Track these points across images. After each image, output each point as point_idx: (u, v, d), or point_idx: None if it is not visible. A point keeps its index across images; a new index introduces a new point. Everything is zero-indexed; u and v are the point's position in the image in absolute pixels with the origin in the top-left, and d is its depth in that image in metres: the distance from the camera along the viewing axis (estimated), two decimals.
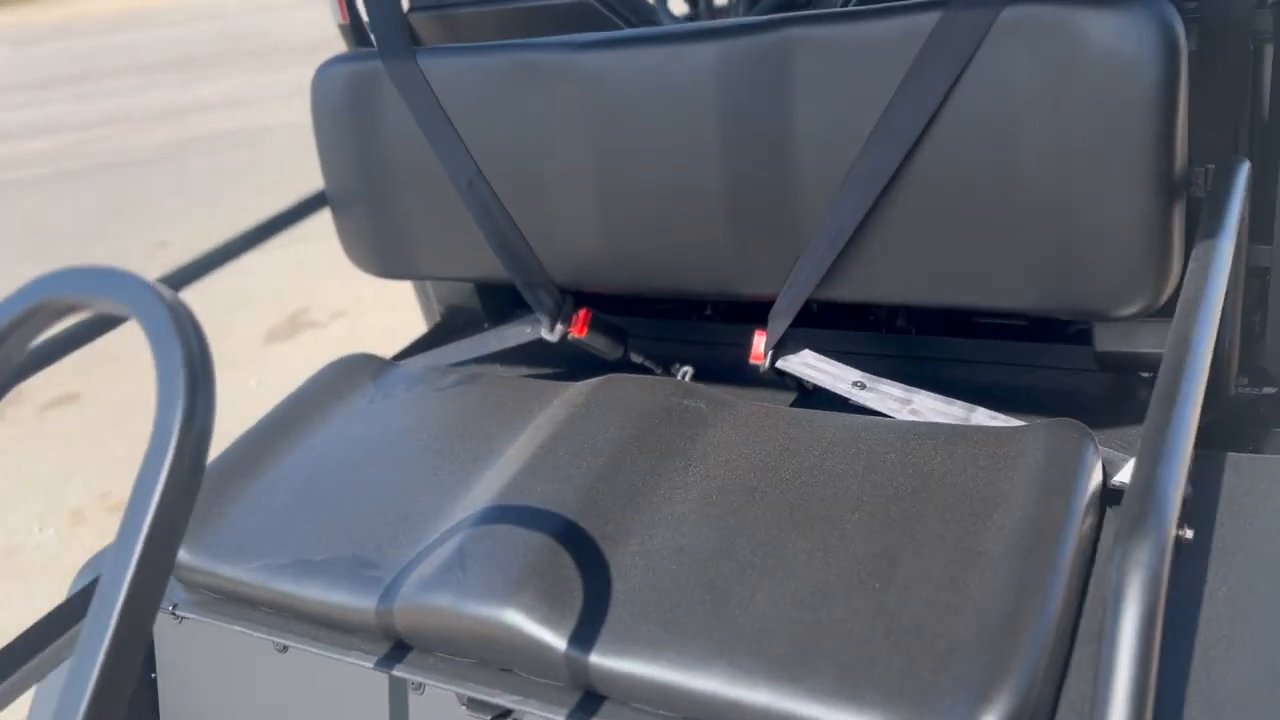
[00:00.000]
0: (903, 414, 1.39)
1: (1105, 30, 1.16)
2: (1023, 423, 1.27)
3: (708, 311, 1.96)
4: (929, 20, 1.27)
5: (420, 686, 1.18)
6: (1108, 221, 1.22)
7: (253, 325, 4.82)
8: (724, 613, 1.05)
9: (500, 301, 2.04)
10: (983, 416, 1.35)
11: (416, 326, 2.52)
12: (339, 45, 4.79)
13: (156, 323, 0.75)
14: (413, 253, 1.72)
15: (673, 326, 1.87)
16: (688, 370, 1.72)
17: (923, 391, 1.41)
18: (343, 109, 1.68)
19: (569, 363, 1.83)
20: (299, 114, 8.94)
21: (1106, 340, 1.47)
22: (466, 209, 1.64)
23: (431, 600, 1.14)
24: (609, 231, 1.56)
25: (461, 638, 1.14)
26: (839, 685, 0.96)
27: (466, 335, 1.88)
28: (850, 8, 1.40)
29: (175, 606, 1.34)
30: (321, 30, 13.29)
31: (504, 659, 1.13)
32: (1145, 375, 1.51)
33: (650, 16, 1.89)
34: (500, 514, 1.23)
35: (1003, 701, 0.90)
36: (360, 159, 1.69)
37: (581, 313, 1.67)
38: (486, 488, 1.30)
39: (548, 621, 1.09)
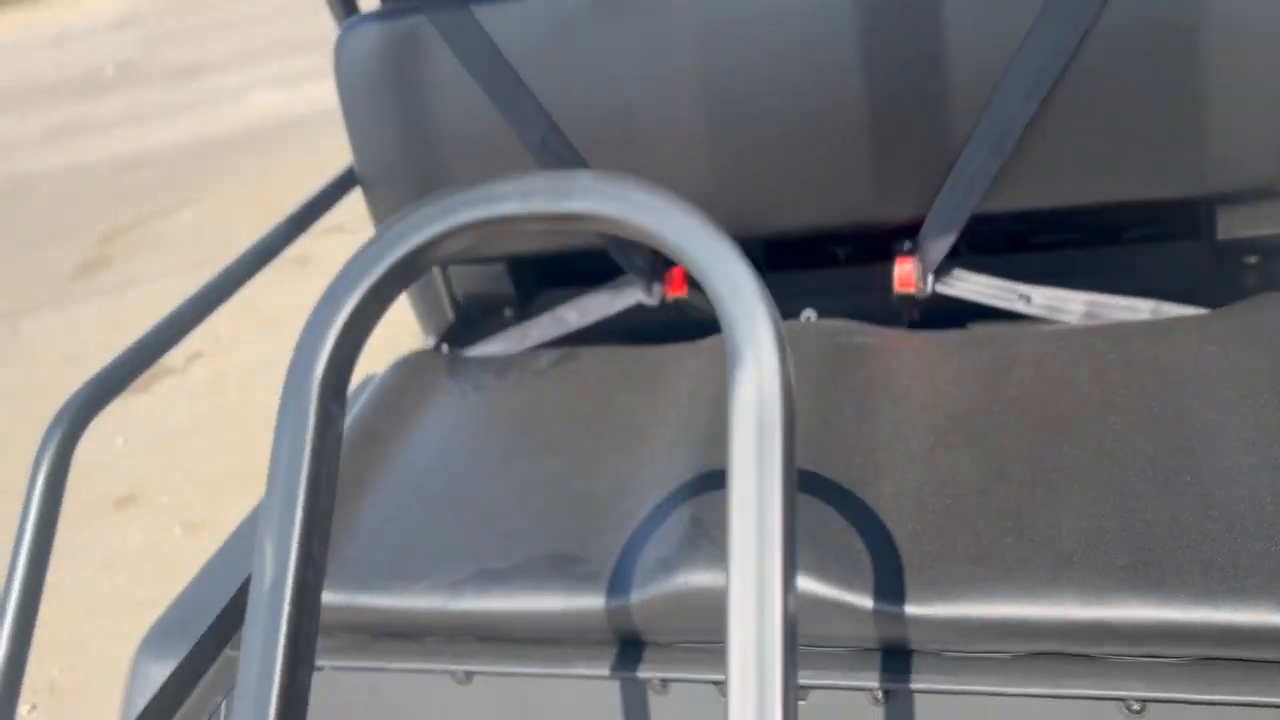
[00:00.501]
0: (1082, 319, 1.37)
1: None
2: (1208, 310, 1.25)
3: (825, 251, 1.83)
4: None
5: (665, 685, 1.03)
6: (1248, 98, 1.28)
7: None
8: (1038, 536, 0.97)
9: (536, 279, 1.88)
10: (1170, 309, 1.34)
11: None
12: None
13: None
14: None
15: (783, 274, 1.73)
16: (811, 314, 1.55)
17: (1096, 294, 1.38)
18: (377, 73, 1.51)
19: (667, 329, 1.59)
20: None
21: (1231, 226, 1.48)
22: (537, 165, 1.50)
23: (688, 581, 1.01)
24: (719, 172, 1.45)
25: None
26: (1212, 583, 0.90)
27: (493, 322, 1.78)
28: None
29: (322, 661, 1.13)
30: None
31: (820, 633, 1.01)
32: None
33: None
34: (710, 480, 1.11)
35: None
36: (402, 127, 1.53)
37: (677, 270, 1.56)
38: (672, 458, 1.17)
39: (843, 580, 0.97)
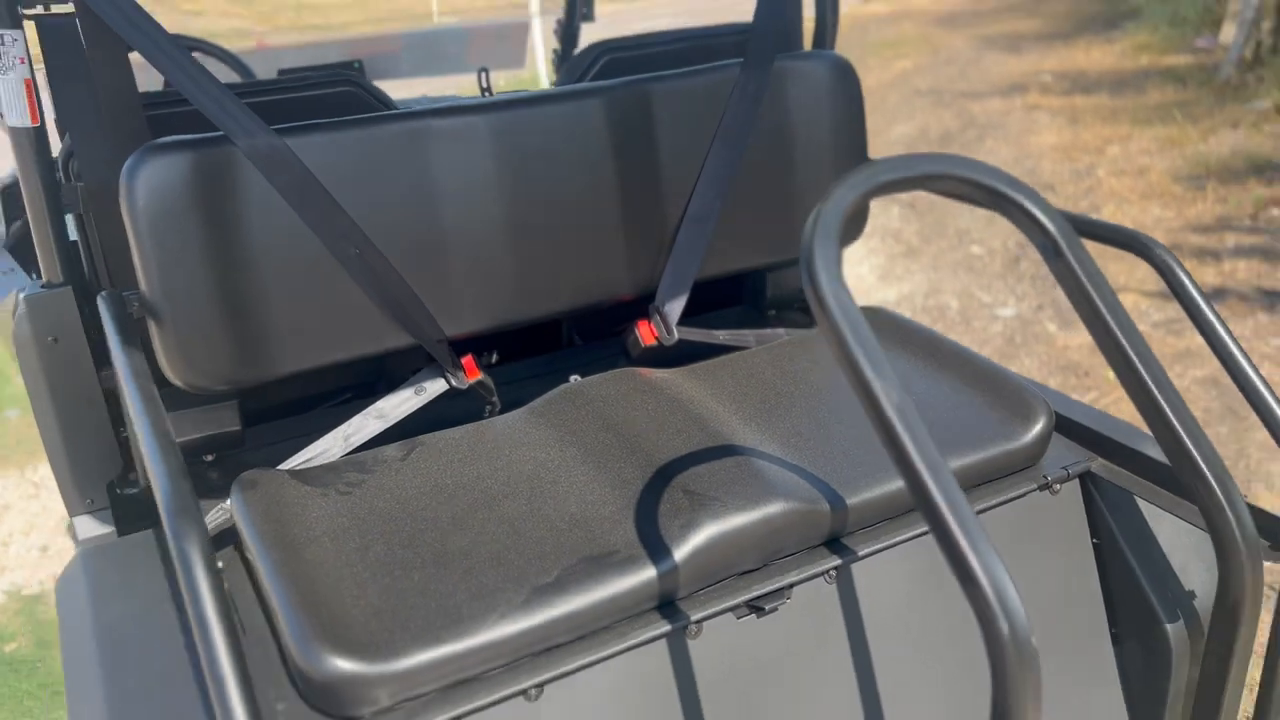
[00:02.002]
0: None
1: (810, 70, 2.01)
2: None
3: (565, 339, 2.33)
4: (729, 74, 1.94)
5: (699, 627, 1.36)
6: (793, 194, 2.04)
7: None
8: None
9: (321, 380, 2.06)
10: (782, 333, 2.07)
11: None
12: None
13: None
14: (277, 347, 1.62)
15: (534, 362, 2.19)
16: (577, 378, 1.83)
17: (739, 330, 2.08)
18: (171, 203, 1.52)
19: (462, 413, 1.89)
20: None
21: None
22: (353, 281, 1.64)
23: (715, 530, 1.37)
24: (501, 272, 1.79)
25: (745, 551, 1.40)
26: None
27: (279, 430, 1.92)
28: (660, 73, 1.92)
29: None
30: None
31: (774, 548, 1.42)
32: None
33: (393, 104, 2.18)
34: (651, 477, 1.48)
35: None
36: (199, 255, 1.55)
37: (468, 358, 1.81)
38: (604, 474, 1.51)
39: (807, 501, 1.45)
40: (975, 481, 1.60)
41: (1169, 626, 1.56)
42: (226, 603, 0.98)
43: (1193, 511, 1.57)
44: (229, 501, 1.52)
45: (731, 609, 1.38)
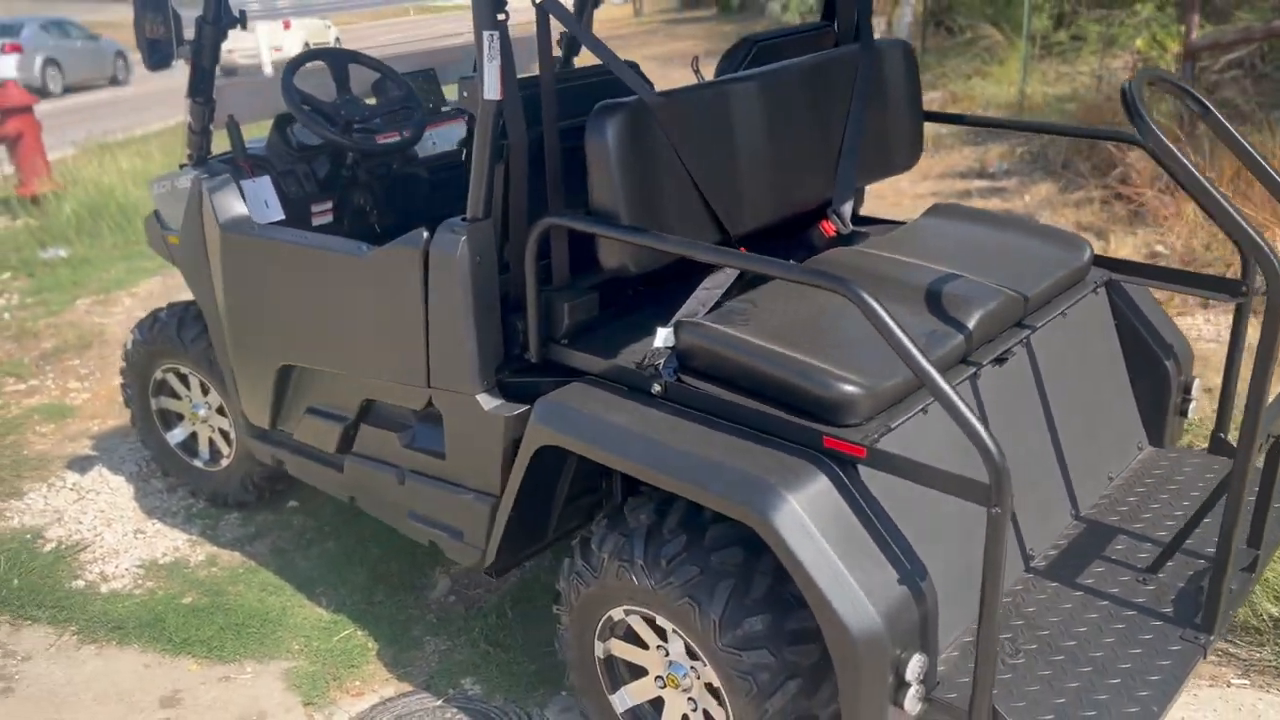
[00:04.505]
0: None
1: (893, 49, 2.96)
2: None
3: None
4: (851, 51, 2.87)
5: (979, 371, 2.32)
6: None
7: None
8: None
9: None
10: None
11: None
12: None
13: None
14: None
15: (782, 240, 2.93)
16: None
17: None
18: (619, 142, 2.24)
19: None
20: None
21: None
22: (726, 190, 2.51)
23: (980, 314, 2.35)
24: (767, 184, 2.61)
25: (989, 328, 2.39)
26: None
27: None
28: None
29: None
30: None
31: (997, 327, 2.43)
32: None
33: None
34: None
35: None
36: (635, 179, 2.30)
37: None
38: None
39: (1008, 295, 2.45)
40: (1063, 289, 2.68)
41: (1167, 364, 2.74)
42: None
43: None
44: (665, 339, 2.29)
45: (993, 360, 2.36)
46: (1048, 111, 7.98)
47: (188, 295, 6.34)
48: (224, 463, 3.67)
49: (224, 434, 3.64)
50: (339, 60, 3.24)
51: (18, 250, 7.30)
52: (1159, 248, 5.31)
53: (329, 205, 3.26)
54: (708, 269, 2.60)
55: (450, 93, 3.77)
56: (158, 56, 2.77)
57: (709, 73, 2.94)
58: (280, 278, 2.82)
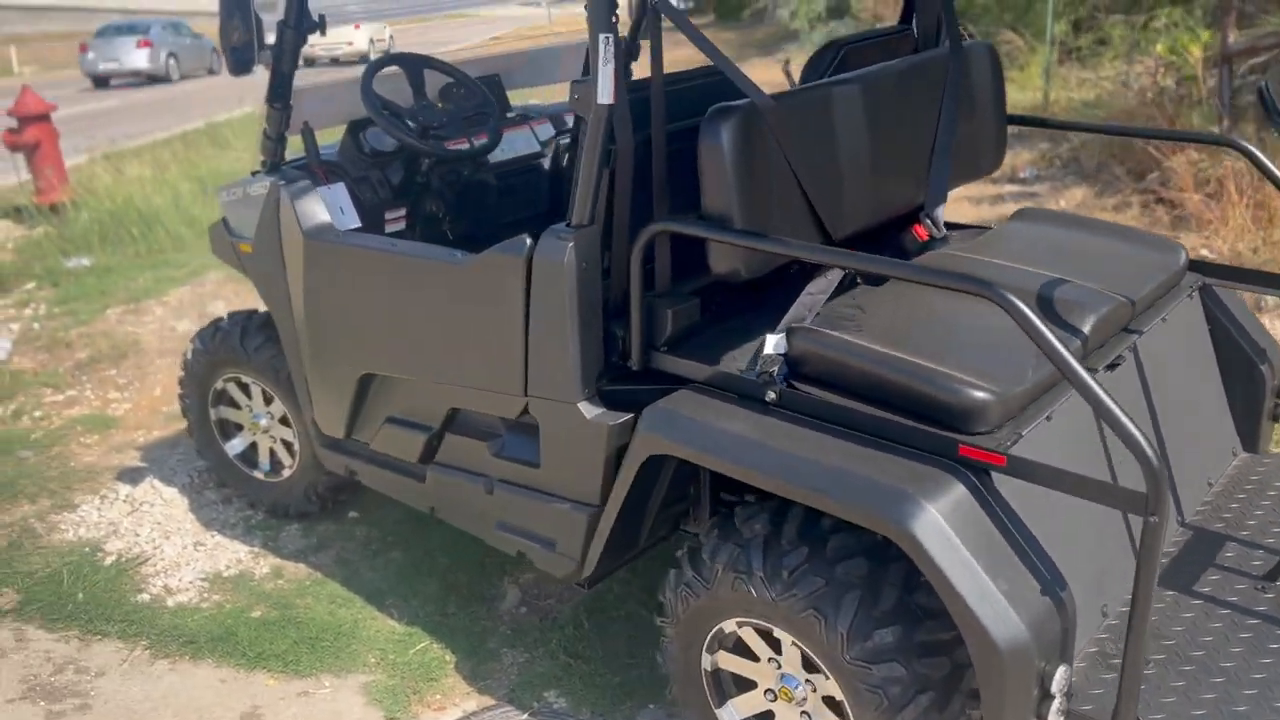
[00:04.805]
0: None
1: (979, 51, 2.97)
2: None
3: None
4: (927, 61, 2.80)
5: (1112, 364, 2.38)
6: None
7: None
8: None
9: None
10: None
11: None
12: None
13: None
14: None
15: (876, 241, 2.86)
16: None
17: None
18: (734, 144, 2.20)
19: None
20: None
21: None
22: (835, 189, 2.49)
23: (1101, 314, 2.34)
24: (866, 187, 2.59)
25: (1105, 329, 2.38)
26: None
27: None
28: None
29: None
30: None
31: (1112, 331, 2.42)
32: None
33: None
34: None
35: None
36: (749, 180, 2.27)
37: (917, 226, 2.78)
38: None
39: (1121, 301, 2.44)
40: (1163, 293, 2.65)
41: (1261, 369, 2.71)
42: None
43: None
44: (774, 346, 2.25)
45: (1106, 366, 2.34)
46: (1075, 116, 7.98)
47: (220, 304, 6.41)
48: (286, 473, 3.62)
49: (286, 444, 3.59)
50: (414, 65, 3.20)
51: (41, 259, 7.24)
52: (1205, 252, 5.29)
53: (402, 212, 3.21)
54: (802, 272, 2.56)
55: (514, 98, 3.74)
56: (240, 62, 2.73)
57: (795, 75, 2.92)
58: (367, 286, 2.77)
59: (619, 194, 2.35)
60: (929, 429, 2.02)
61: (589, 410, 2.43)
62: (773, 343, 2.26)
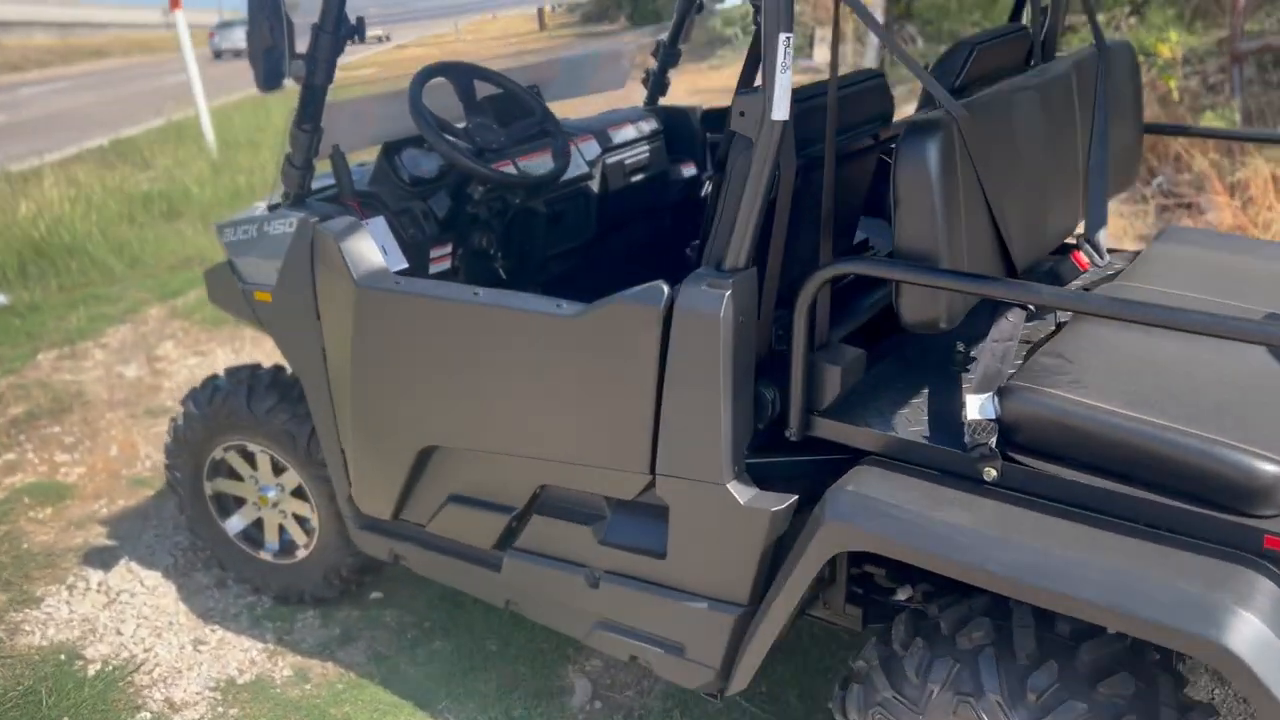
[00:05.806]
0: None
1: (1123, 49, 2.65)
2: None
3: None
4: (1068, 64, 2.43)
5: None
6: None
7: None
8: None
9: None
10: None
11: None
12: None
13: None
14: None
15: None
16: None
17: None
18: (944, 171, 1.83)
19: None
20: None
21: None
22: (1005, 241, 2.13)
23: None
24: (1041, 211, 2.26)
25: None
26: None
27: None
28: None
29: None
30: None
31: None
32: None
33: None
34: None
35: None
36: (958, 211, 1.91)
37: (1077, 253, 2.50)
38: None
39: None
40: None
41: None
42: None
43: None
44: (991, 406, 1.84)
45: None
46: None
47: (169, 344, 5.74)
48: (300, 554, 3.09)
49: (300, 520, 3.06)
50: (464, 75, 2.72)
51: None
52: None
53: (448, 249, 2.73)
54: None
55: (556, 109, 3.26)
56: (270, 74, 2.22)
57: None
58: (440, 344, 2.28)
59: (776, 229, 1.93)
60: (1228, 517, 1.63)
61: (741, 493, 1.99)
62: (977, 405, 1.85)
